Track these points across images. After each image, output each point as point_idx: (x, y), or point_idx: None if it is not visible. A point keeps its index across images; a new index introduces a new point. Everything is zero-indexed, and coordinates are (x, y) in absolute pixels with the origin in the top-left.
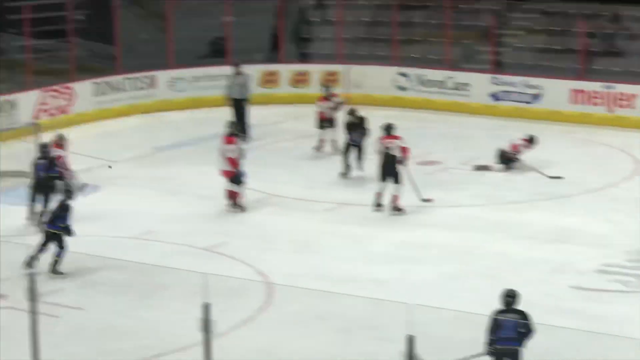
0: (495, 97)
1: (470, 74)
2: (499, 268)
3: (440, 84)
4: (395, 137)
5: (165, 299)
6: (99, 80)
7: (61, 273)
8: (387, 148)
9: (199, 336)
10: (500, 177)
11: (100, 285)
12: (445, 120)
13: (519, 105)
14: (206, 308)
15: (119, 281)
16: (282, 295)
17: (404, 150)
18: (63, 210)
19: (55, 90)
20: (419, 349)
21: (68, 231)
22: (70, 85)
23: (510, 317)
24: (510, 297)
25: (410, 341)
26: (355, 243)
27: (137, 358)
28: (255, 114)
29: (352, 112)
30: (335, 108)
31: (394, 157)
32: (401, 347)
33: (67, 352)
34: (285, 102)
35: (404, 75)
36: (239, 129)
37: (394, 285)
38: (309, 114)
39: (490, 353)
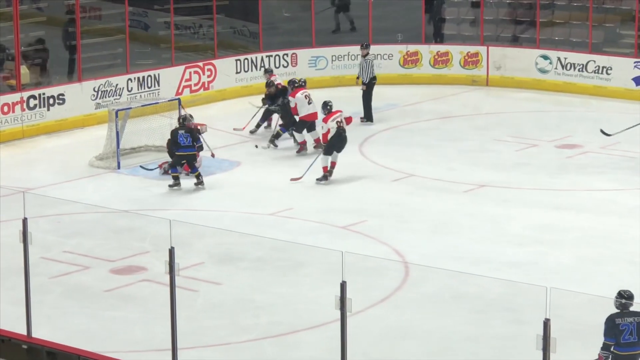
0: (637, 81)
1: (613, 57)
2: (638, 253)
3: (581, 67)
4: (338, 111)
5: (301, 276)
6: (240, 57)
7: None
8: (338, 123)
9: (335, 314)
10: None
11: (238, 261)
12: (586, 104)
13: None
14: (342, 286)
15: (256, 257)
16: (418, 275)
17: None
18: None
19: (197, 67)
20: (555, 333)
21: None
22: (212, 61)
23: (629, 320)
24: (627, 298)
25: (547, 325)
26: (492, 224)
27: (273, 334)
28: (395, 94)
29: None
30: None
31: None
32: (538, 330)
33: (203, 326)
34: (425, 82)
35: (545, 57)
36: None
37: (531, 268)
38: (449, 94)
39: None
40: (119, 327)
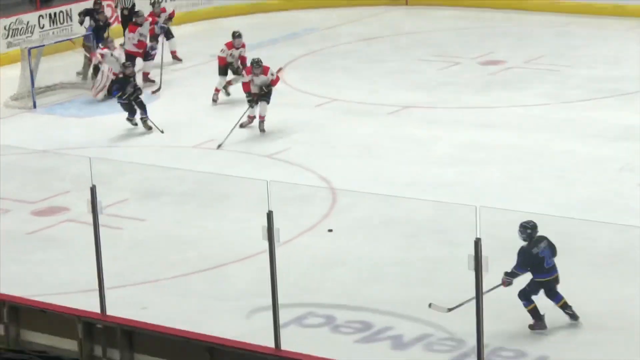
0: None
1: None
2: (566, 168)
3: None
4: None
5: (228, 208)
6: None
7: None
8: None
9: (263, 244)
10: (565, 75)
11: (162, 196)
12: (508, 19)
13: (583, 1)
14: (269, 216)
15: (180, 192)
16: (345, 201)
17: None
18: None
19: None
20: (486, 252)
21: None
22: None
23: (542, 246)
24: (531, 228)
25: (478, 244)
26: (418, 146)
27: (201, 268)
28: (312, 18)
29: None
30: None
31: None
32: (468, 250)
33: (130, 264)
34: (342, 4)
35: None
36: None
37: (460, 188)
38: (368, 15)
39: (538, 286)
40: (43, 270)
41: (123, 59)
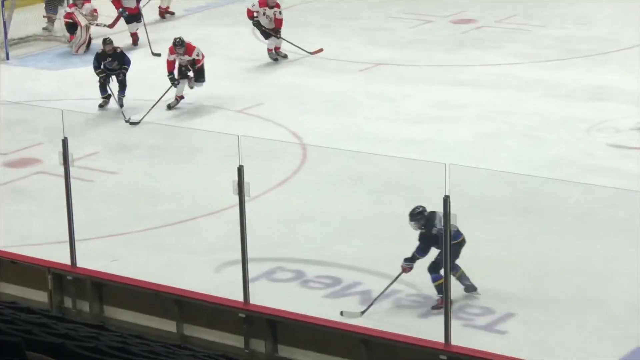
0: None
1: None
2: (536, 127)
3: None
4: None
5: (198, 162)
6: None
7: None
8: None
9: (233, 199)
10: (536, 34)
11: (133, 149)
12: None
13: None
14: (240, 170)
15: (151, 145)
16: (316, 157)
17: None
18: None
19: None
20: (455, 209)
21: None
22: None
23: (437, 222)
24: (422, 213)
25: (446, 201)
26: (389, 103)
27: (171, 221)
28: None
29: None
30: None
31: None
32: (437, 207)
33: (100, 216)
34: None
35: None
36: None
37: (429, 145)
38: None
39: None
40: (14, 222)
41: (91, 10)
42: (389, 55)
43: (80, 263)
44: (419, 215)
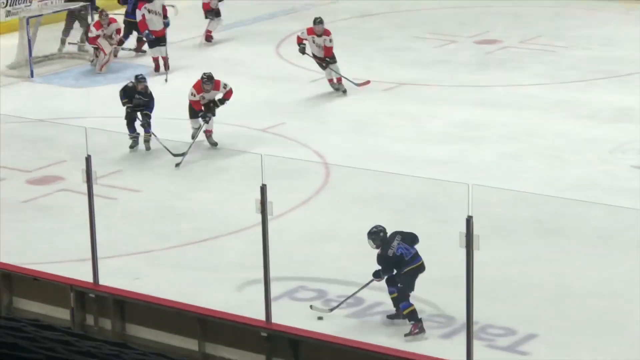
0: None
1: None
2: (560, 148)
3: None
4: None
5: (222, 181)
6: None
7: None
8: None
9: (256, 218)
10: (560, 55)
11: (157, 167)
12: None
13: None
14: (263, 189)
15: (175, 163)
16: (339, 176)
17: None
18: None
19: None
20: (478, 230)
21: None
22: None
23: (395, 244)
24: (381, 232)
25: (470, 222)
26: (413, 123)
27: (194, 240)
28: None
29: None
30: None
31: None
32: (461, 228)
33: (124, 234)
34: None
35: None
36: None
37: (453, 166)
38: None
39: (408, 278)
40: (37, 239)
41: (115, 31)
42: (413, 75)
43: (102, 281)
44: (374, 235)
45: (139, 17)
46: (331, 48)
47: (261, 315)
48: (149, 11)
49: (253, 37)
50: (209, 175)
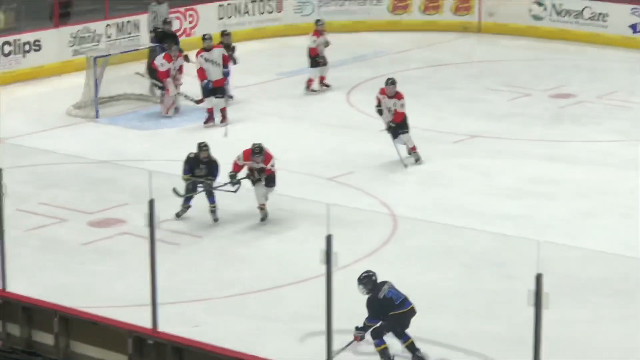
0: (634, 28)
1: (609, 4)
2: (634, 207)
3: (577, 13)
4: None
5: (287, 229)
6: (223, 2)
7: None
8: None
9: (320, 268)
10: (638, 112)
11: (220, 213)
12: (582, 52)
13: None
14: (328, 239)
15: (239, 210)
16: (406, 228)
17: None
18: None
19: (179, 12)
20: (547, 288)
21: None
22: (194, 7)
23: (386, 288)
24: (372, 276)
25: (539, 280)
26: (483, 176)
27: (256, 289)
28: (383, 41)
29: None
30: (326, 44)
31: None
32: (529, 285)
33: (184, 280)
34: (415, 29)
35: (540, 4)
36: None
37: (523, 221)
38: (439, 41)
39: (394, 321)
40: (97, 282)
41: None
42: (484, 128)
43: (161, 327)
44: (365, 279)
45: (197, 66)
46: (402, 114)
47: None
48: (206, 60)
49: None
50: (273, 223)
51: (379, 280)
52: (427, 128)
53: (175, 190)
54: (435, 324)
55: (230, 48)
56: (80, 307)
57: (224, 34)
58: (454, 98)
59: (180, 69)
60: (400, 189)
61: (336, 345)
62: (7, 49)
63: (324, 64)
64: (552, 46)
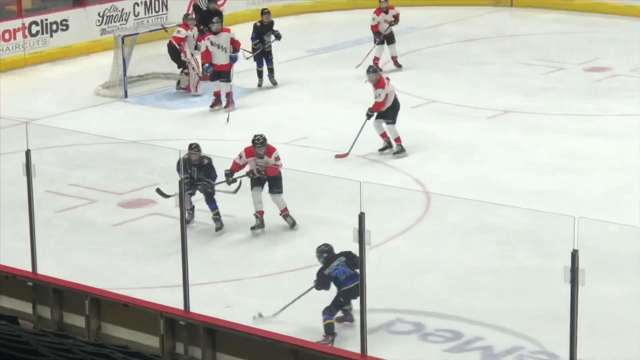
0: None
1: None
2: None
3: None
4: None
5: (319, 208)
6: None
7: None
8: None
9: (353, 247)
10: None
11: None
12: (616, 24)
13: None
14: (361, 218)
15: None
16: (440, 205)
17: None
18: None
19: None
20: (583, 265)
21: None
22: None
23: (335, 264)
24: (328, 252)
25: (575, 256)
26: (517, 152)
27: (288, 269)
28: (414, 16)
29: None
30: (391, 22)
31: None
32: (565, 262)
33: (216, 261)
34: (446, 3)
35: None
36: None
37: (558, 197)
38: (471, 15)
39: (343, 296)
40: (127, 263)
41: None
42: (518, 103)
43: (193, 308)
44: (319, 252)
45: (202, 48)
46: (379, 103)
47: (357, 348)
48: (212, 43)
49: (353, 60)
50: (305, 201)
51: (335, 255)
52: (460, 104)
53: (159, 191)
54: (471, 302)
55: (270, 26)
56: (111, 288)
57: (264, 12)
58: (486, 73)
59: (198, 39)
60: (434, 166)
61: (370, 324)
62: (34, 29)
63: (380, 42)
64: (585, 19)
